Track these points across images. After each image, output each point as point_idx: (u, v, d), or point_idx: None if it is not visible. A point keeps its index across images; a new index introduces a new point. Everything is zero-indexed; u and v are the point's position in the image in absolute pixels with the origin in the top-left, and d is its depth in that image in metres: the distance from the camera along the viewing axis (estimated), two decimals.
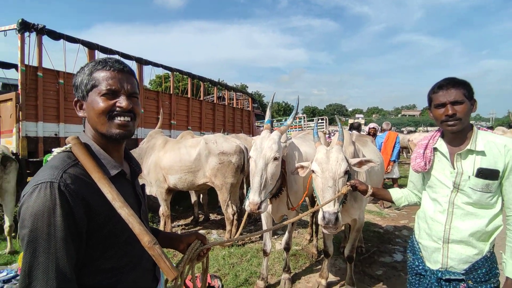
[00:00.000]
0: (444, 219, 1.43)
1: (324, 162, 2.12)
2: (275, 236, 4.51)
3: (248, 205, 2.25)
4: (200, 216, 5.60)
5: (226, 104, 9.31)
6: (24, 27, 4.61)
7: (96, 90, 0.91)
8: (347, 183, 2.01)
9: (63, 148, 0.91)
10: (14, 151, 4.47)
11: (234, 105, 10.70)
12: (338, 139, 2.37)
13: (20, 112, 4.57)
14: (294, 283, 3.16)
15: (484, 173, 1.34)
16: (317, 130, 2.60)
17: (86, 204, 0.82)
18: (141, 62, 6.30)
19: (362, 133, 7.17)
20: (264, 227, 3.10)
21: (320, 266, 3.46)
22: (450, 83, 1.39)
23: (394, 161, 6.30)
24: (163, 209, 4.47)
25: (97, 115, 0.91)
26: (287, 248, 3.14)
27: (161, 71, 7.45)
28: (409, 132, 13.61)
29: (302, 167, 2.37)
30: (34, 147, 4.74)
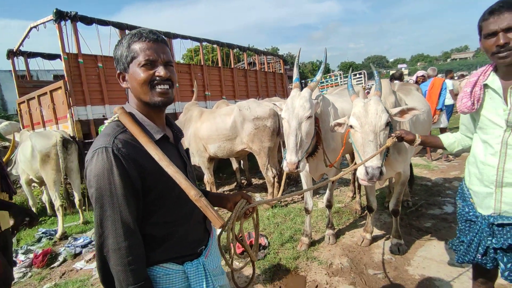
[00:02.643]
0: (497, 161, 1.31)
1: (363, 116, 2.02)
2: (317, 195, 4.57)
3: (286, 166, 2.26)
4: (243, 181, 5.83)
5: (258, 69, 9.14)
6: (60, 16, 4.86)
7: (136, 61, 0.96)
8: (392, 134, 1.90)
9: (112, 118, 1.01)
10: (71, 135, 4.95)
11: (266, 70, 10.46)
12: (376, 90, 2.23)
13: (70, 98, 4.98)
14: (338, 238, 3.22)
15: None
16: (352, 82, 2.47)
17: (138, 165, 0.91)
18: (169, 36, 6.35)
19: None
20: (304, 186, 3.14)
21: (364, 222, 3.46)
22: (504, 5, 1.18)
23: (441, 110, 5.80)
24: (207, 177, 4.72)
25: (140, 85, 0.97)
26: (329, 205, 3.17)
27: (190, 44, 7.49)
28: (461, 76, 12.27)
29: (339, 124, 2.29)
30: (87, 129, 5.20)
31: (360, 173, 1.94)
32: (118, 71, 1.02)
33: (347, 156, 4.30)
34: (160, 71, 0.97)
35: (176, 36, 6.52)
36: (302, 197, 4.28)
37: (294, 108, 2.29)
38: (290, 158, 2.20)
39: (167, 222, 1.01)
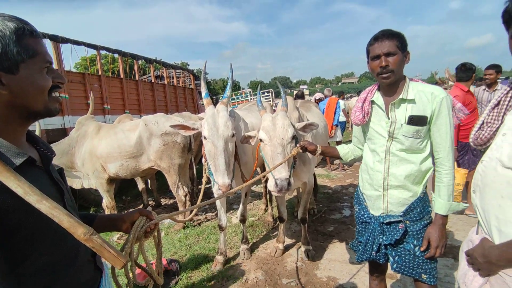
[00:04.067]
0: (383, 167, 1.51)
1: (271, 130, 2.09)
2: (231, 211, 4.52)
3: (218, 189, 2.17)
4: (150, 203, 5.33)
5: (166, 82, 8.73)
6: None
7: (35, 63, 0.77)
8: (297, 145, 2.02)
9: None
10: None
11: (175, 84, 10.10)
12: (282, 105, 2.35)
13: None
14: (253, 252, 3.21)
15: (415, 120, 1.42)
16: (260, 98, 2.54)
17: None
18: (57, 40, 5.41)
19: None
20: (218, 202, 3.03)
21: (276, 233, 3.56)
22: (385, 34, 1.42)
23: (337, 125, 6.66)
24: (106, 201, 4.11)
25: (41, 93, 0.79)
26: (243, 220, 3.14)
27: (84, 52, 6.59)
28: (350, 97, 14.73)
29: (250, 136, 2.32)
30: None
31: (270, 185, 1.99)
32: None
33: (258, 169, 4.42)
34: (63, 78, 0.85)
35: (66, 40, 5.62)
36: (216, 214, 4.16)
37: (218, 127, 2.19)
38: (223, 180, 2.11)
39: (43, 269, 0.76)
